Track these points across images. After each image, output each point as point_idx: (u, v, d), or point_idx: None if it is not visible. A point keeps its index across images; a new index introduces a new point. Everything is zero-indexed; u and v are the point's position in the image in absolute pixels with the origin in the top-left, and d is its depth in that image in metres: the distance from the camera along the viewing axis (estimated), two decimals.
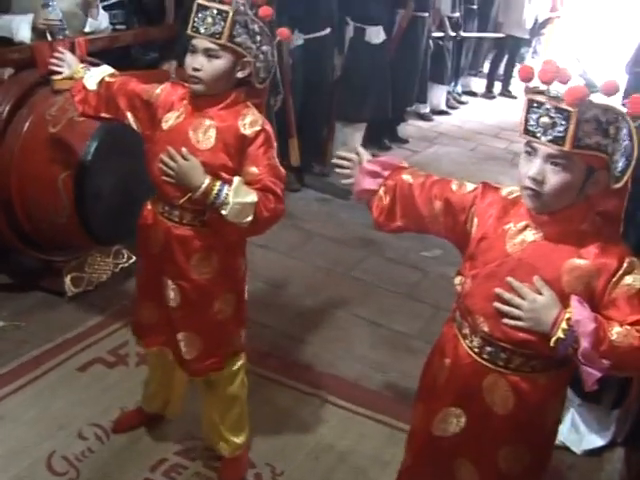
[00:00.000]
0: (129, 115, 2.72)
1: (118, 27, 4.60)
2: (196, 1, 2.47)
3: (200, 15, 2.44)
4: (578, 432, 3.29)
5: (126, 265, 4.33)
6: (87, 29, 4.25)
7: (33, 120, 3.75)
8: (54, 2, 3.87)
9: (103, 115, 2.82)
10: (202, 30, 2.44)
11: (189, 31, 2.47)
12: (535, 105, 1.91)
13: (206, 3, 2.45)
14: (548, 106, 1.88)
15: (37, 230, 3.89)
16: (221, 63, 2.47)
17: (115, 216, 3.78)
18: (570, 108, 1.84)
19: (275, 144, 2.59)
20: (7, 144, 3.74)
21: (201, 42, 2.46)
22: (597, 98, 1.89)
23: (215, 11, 2.42)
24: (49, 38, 3.87)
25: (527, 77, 1.93)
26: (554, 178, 1.92)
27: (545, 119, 1.88)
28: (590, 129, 1.86)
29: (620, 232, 2.05)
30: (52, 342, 3.65)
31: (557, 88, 1.89)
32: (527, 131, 1.94)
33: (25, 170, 3.72)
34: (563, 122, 1.85)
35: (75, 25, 4.14)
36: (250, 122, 2.52)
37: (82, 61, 3.02)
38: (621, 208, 2.02)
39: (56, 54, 3.00)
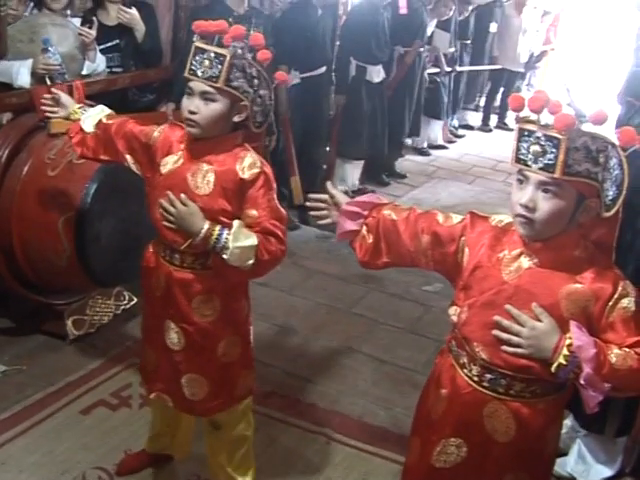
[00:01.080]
0: (128, 157, 2.71)
1: (115, 70, 4.62)
2: (194, 44, 2.47)
3: (198, 58, 2.44)
4: (585, 463, 3.26)
5: (127, 307, 4.32)
6: (85, 72, 4.29)
7: (32, 164, 3.76)
8: (53, 47, 3.91)
9: (102, 157, 2.81)
10: (199, 73, 2.44)
11: (186, 74, 2.47)
12: (526, 134, 1.95)
13: (204, 46, 2.45)
14: (538, 134, 1.92)
15: (38, 273, 3.89)
16: (217, 106, 2.47)
17: (116, 258, 3.79)
18: (559, 135, 1.88)
19: (275, 185, 2.59)
20: (6, 188, 3.75)
21: (198, 85, 2.46)
22: (587, 127, 1.92)
23: (213, 54, 2.42)
24: (48, 82, 3.90)
25: (518, 106, 1.97)
26: (545, 205, 1.95)
27: (536, 147, 1.92)
28: (580, 157, 1.89)
29: (612, 259, 2.08)
30: (54, 385, 3.63)
31: (547, 117, 1.92)
32: (518, 159, 1.97)
33: (25, 214, 3.72)
34: (553, 150, 1.89)
35: (74, 68, 4.18)
36: (248, 165, 2.51)
37: (79, 102, 3.02)
38: (612, 236, 2.06)
39: (49, 95, 2.98)
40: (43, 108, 3.00)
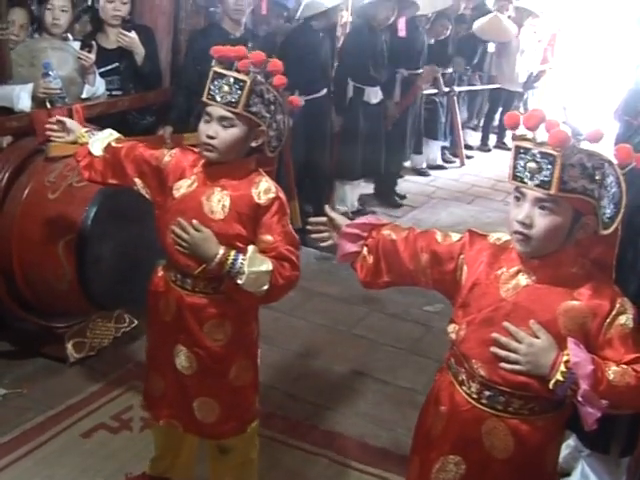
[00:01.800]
0: (137, 181, 2.71)
1: (115, 93, 4.63)
2: (213, 69, 2.47)
3: (216, 83, 2.44)
4: None
5: (128, 329, 4.30)
6: (84, 95, 4.31)
7: (32, 187, 3.77)
8: (54, 71, 3.92)
9: (110, 181, 2.79)
10: (218, 98, 2.44)
11: (204, 98, 2.47)
12: (522, 151, 1.97)
13: (223, 71, 2.44)
14: (534, 152, 1.94)
15: (38, 296, 3.88)
16: (236, 132, 2.47)
17: (116, 280, 3.78)
18: (554, 152, 1.90)
19: (288, 211, 2.60)
20: (7, 211, 3.76)
21: (216, 110, 2.46)
22: (584, 145, 1.94)
23: (232, 80, 2.42)
24: (48, 106, 3.92)
25: (514, 124, 1.99)
26: (542, 221, 1.97)
27: (532, 164, 1.95)
28: (576, 173, 1.91)
29: (612, 278, 2.09)
30: (54, 409, 3.62)
31: (542, 134, 1.94)
32: (515, 177, 2.00)
33: (25, 237, 3.72)
34: (549, 166, 1.91)
35: (73, 92, 4.20)
36: (264, 190, 2.52)
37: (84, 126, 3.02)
38: (612, 254, 2.07)
39: (54, 120, 2.97)
40: (49, 133, 2.98)
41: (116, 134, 2.86)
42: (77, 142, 2.87)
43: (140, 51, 4.61)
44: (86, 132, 2.86)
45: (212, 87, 2.45)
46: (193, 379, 2.68)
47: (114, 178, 2.77)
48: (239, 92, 2.41)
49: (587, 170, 1.92)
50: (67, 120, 2.96)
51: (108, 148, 2.77)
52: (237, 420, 2.76)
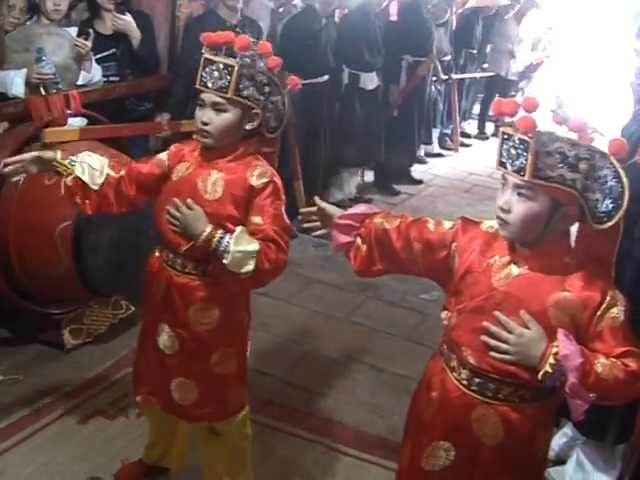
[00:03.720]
0: (144, 198, 2.73)
1: (112, 79, 4.62)
2: (203, 55, 2.50)
3: (207, 69, 2.48)
4: (584, 470, 3.25)
5: (125, 316, 4.30)
6: (80, 82, 4.30)
7: None
8: (47, 56, 3.90)
9: (121, 210, 2.74)
10: (209, 84, 2.47)
11: (197, 85, 2.50)
12: (506, 137, 1.99)
13: (213, 57, 2.47)
14: (515, 138, 1.95)
15: (35, 283, 3.88)
16: (229, 116, 2.50)
17: (113, 267, 3.78)
18: (527, 138, 1.90)
19: (283, 197, 2.60)
20: (3, 198, 3.75)
21: (209, 96, 2.49)
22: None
23: (221, 65, 2.45)
24: (43, 92, 3.90)
25: (499, 111, 1.99)
26: (518, 208, 1.98)
27: (512, 150, 1.96)
28: (553, 162, 1.91)
29: (610, 273, 2.08)
30: (51, 395, 3.62)
31: None
32: (500, 163, 2.01)
33: (22, 224, 3.72)
34: (524, 153, 1.92)
35: (69, 78, 4.18)
36: (259, 174, 2.54)
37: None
38: (612, 250, 2.05)
39: (11, 160, 2.63)
40: (4, 172, 2.64)
41: (103, 159, 2.69)
42: (60, 173, 2.65)
43: (136, 34, 4.59)
44: (68, 162, 2.63)
45: (204, 74, 2.49)
46: (174, 359, 2.69)
47: (120, 207, 2.73)
48: (228, 77, 2.45)
49: (567, 159, 1.91)
50: (40, 153, 2.67)
51: (109, 180, 2.64)
52: (215, 407, 2.76)
